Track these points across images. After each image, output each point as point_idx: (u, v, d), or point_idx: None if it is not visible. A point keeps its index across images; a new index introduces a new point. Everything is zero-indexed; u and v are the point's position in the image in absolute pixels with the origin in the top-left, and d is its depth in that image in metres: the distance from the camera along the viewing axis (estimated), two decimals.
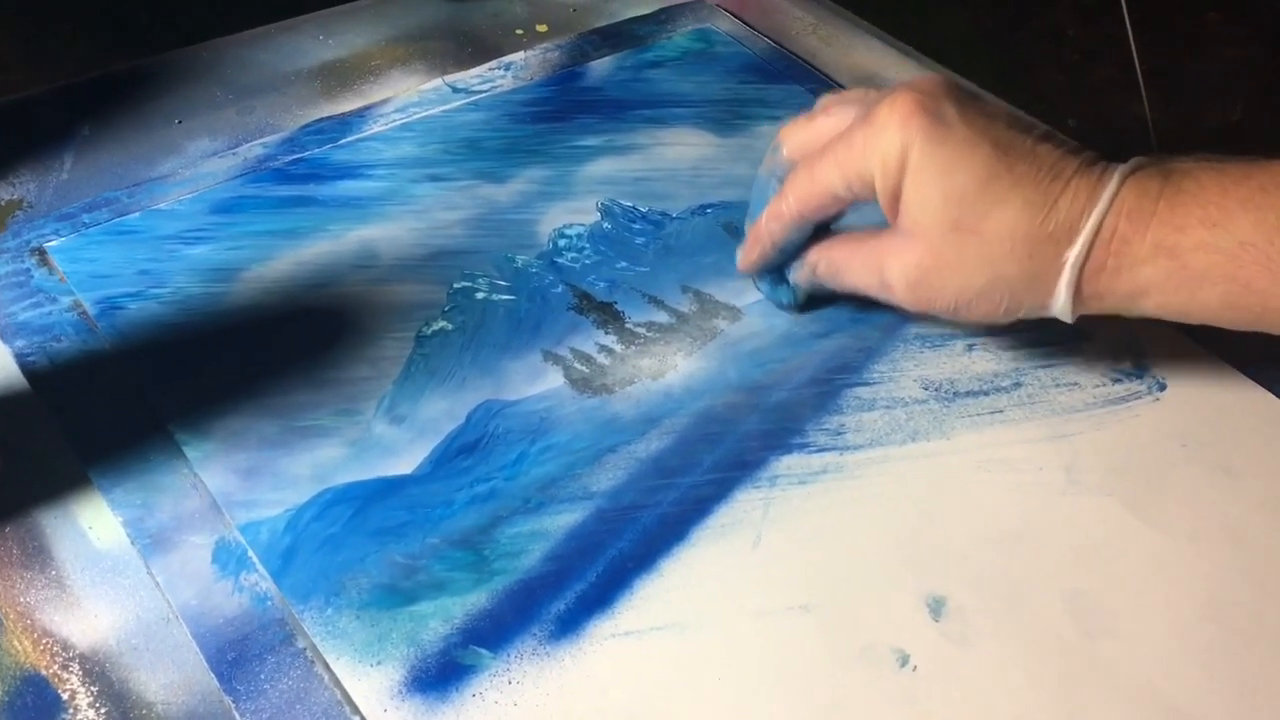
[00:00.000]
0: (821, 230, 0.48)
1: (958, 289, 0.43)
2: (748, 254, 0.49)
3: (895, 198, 0.43)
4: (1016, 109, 0.46)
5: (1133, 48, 1.03)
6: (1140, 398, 0.48)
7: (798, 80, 0.63)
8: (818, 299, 0.51)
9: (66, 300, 0.49)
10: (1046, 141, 0.43)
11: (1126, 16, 1.00)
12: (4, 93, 0.60)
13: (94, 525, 0.42)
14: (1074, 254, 0.41)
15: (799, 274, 0.49)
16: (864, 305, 0.51)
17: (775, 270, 0.50)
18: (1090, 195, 0.41)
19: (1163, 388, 0.48)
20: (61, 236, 0.52)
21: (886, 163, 0.42)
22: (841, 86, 0.63)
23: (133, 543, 0.42)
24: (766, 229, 0.47)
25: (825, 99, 0.48)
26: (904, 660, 0.39)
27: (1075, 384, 0.48)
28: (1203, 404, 0.48)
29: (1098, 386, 0.48)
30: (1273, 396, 0.48)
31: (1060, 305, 0.43)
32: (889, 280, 0.44)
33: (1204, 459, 0.46)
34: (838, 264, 0.47)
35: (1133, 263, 0.41)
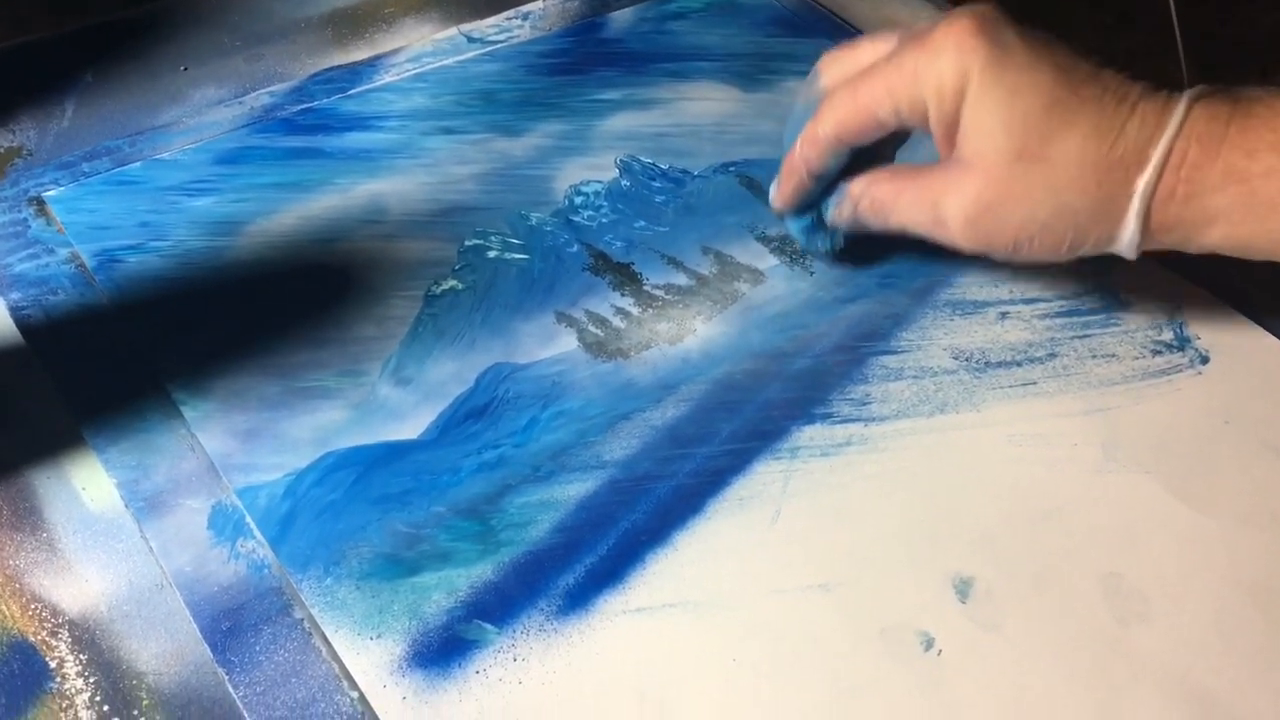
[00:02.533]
0: (861, 163, 0.44)
1: (1021, 222, 0.40)
2: (783, 187, 0.46)
3: (952, 126, 0.41)
4: None
5: (1172, 10, 0.99)
6: (1182, 371, 0.46)
7: (827, 35, 0.61)
8: (859, 247, 0.48)
9: (64, 252, 0.48)
10: (1107, 68, 0.40)
11: None
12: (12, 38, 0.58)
13: (87, 486, 0.41)
14: (1144, 181, 0.39)
15: (838, 212, 0.45)
16: (892, 270, 0.49)
17: (812, 211, 0.47)
18: (1159, 120, 0.39)
19: (1205, 360, 0.46)
20: (61, 186, 0.50)
21: (943, 87, 0.40)
22: None
23: (126, 505, 0.40)
24: (801, 155, 0.44)
25: (867, 34, 0.46)
26: (929, 644, 0.38)
27: (1113, 355, 0.46)
28: (1248, 379, 0.45)
29: (1137, 359, 0.46)
30: None
31: (1128, 236, 0.40)
32: (944, 216, 0.41)
33: (1249, 437, 0.43)
34: (883, 200, 0.44)
35: (1204, 190, 0.39)
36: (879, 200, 0.44)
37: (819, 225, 0.47)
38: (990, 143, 0.40)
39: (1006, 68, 0.39)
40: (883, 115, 0.42)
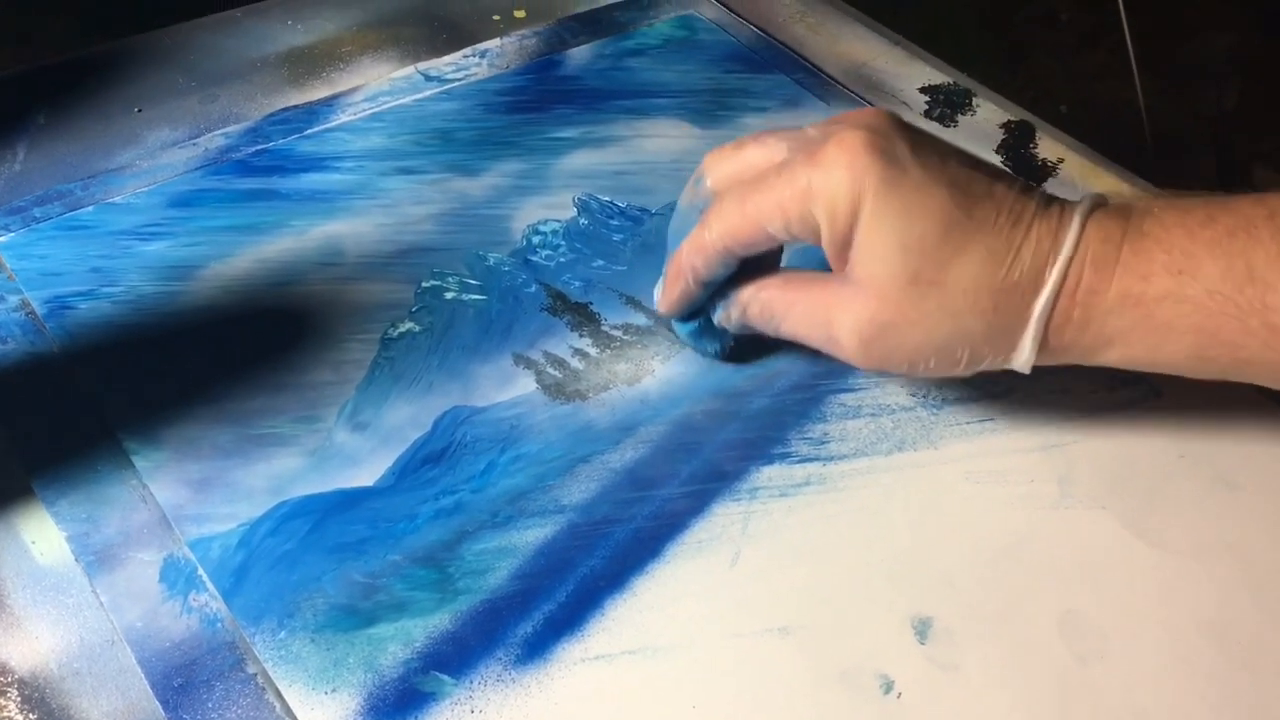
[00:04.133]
0: (750, 267, 0.43)
1: (916, 346, 0.40)
2: (667, 293, 0.44)
3: (845, 246, 0.39)
4: (963, 148, 0.42)
5: (1126, 33, 1.01)
6: (1135, 405, 0.46)
7: (784, 70, 0.61)
8: (748, 349, 0.47)
9: (14, 299, 0.47)
10: (1000, 180, 0.40)
11: (1121, 1, 0.98)
12: None
13: (37, 540, 0.40)
14: (1040, 306, 0.38)
15: (727, 316, 0.44)
16: None
17: (700, 316, 0.45)
18: (1054, 241, 0.38)
19: (1158, 394, 0.46)
20: (11, 232, 0.50)
21: (835, 207, 0.39)
22: (830, 77, 0.61)
23: (77, 559, 0.39)
24: (688, 262, 0.42)
25: (754, 134, 0.43)
26: (888, 686, 0.37)
27: (1068, 390, 0.46)
28: (1201, 413, 0.46)
29: (1092, 393, 0.46)
30: (1274, 404, 0.46)
31: (1024, 358, 0.40)
32: (837, 335, 0.40)
33: (1203, 471, 0.44)
34: (775, 310, 0.42)
35: (1100, 314, 0.39)
36: (770, 308, 0.43)
37: (707, 329, 0.46)
38: (885, 268, 0.39)
39: (900, 188, 0.38)
40: (773, 229, 0.40)
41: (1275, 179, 1.07)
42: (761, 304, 0.43)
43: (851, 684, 0.38)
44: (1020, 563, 0.41)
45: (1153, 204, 0.39)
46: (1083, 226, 0.39)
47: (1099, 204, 0.39)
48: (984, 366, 0.41)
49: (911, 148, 0.39)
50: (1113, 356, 0.40)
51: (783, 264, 0.45)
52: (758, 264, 0.43)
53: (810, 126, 0.41)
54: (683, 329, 0.46)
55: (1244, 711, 0.37)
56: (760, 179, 0.40)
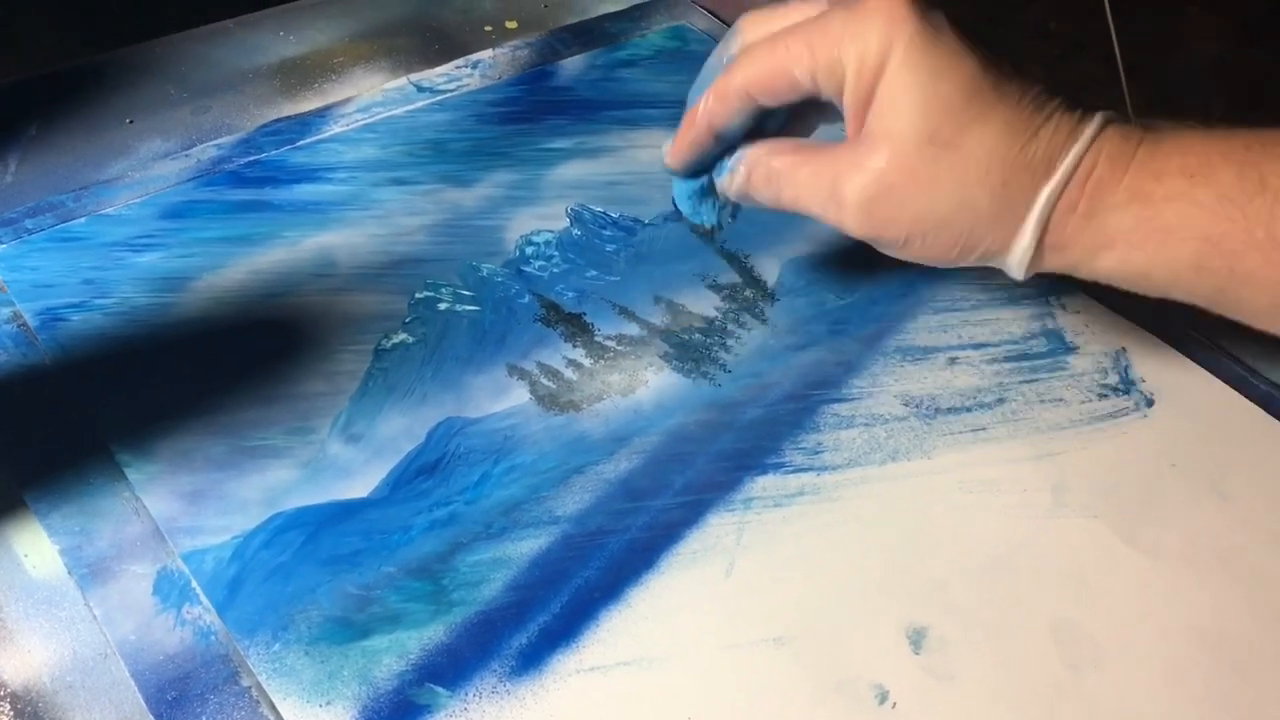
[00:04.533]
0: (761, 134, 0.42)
1: (919, 212, 0.39)
2: (679, 141, 0.43)
3: (866, 99, 0.39)
4: None
5: (1114, 43, 1.01)
6: (1128, 414, 0.46)
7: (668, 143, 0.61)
8: (737, 229, 0.46)
9: (6, 311, 0.47)
10: (1026, 75, 0.39)
11: (1109, 11, 0.98)
12: None
13: (30, 553, 0.40)
14: (1050, 188, 0.38)
15: (730, 178, 0.43)
16: (842, 317, 0.49)
17: (701, 177, 0.44)
18: (1072, 131, 0.38)
19: (1151, 404, 0.47)
20: (3, 243, 0.49)
21: (865, 54, 0.38)
22: None
23: (70, 572, 0.39)
24: (707, 109, 0.41)
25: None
26: (883, 696, 0.38)
27: (1061, 400, 0.47)
28: (1193, 421, 0.46)
29: (1084, 402, 0.47)
30: (1265, 413, 0.46)
31: (1022, 247, 0.39)
32: (842, 194, 0.39)
33: (1195, 479, 0.44)
34: (779, 172, 0.41)
35: (1105, 207, 0.38)
36: (775, 170, 0.41)
37: (707, 192, 0.44)
38: (904, 120, 0.38)
39: (933, 47, 0.38)
40: (799, 74, 0.39)
41: None
42: (767, 167, 0.41)
43: (847, 694, 0.38)
44: (1014, 572, 0.41)
45: (1171, 124, 0.39)
46: (1104, 123, 0.38)
47: (1120, 116, 0.39)
48: (980, 255, 0.40)
49: (950, 19, 0.39)
50: (1109, 262, 0.39)
51: None
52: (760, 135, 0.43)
53: None
54: (683, 189, 0.45)
55: (1236, 714, 0.37)
56: (795, 27, 0.40)
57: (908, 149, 0.38)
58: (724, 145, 0.43)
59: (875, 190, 0.39)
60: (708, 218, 0.45)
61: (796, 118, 0.43)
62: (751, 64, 0.40)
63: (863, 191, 0.39)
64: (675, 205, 0.46)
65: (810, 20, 0.40)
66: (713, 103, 0.41)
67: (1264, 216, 0.36)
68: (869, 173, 0.39)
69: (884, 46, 0.38)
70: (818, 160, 0.40)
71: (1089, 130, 0.38)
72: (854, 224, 0.40)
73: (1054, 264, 0.40)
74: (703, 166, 0.44)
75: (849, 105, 0.39)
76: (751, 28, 0.42)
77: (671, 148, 0.44)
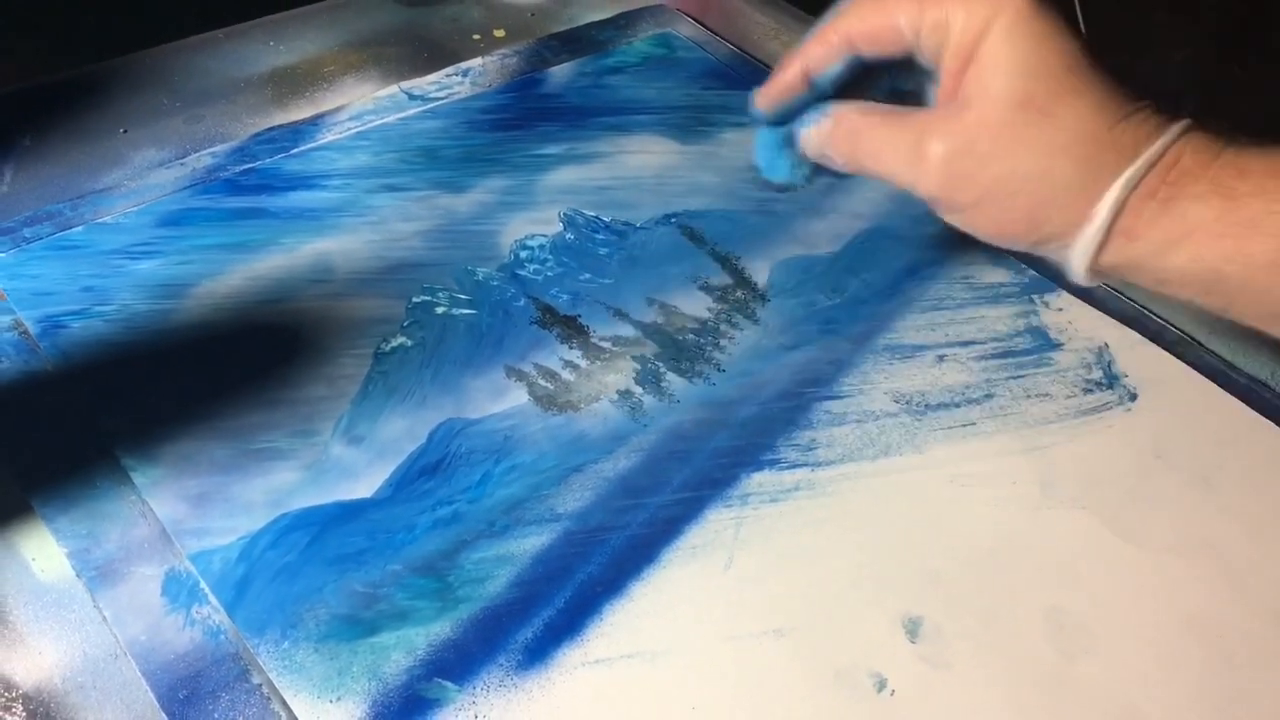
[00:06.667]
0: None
1: (1000, 173, 0.39)
2: (772, 81, 0.43)
3: (966, 59, 0.39)
4: None
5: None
6: (1112, 408, 0.47)
7: (760, 86, 0.62)
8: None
9: (7, 319, 0.47)
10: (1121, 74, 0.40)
11: (1080, 17, 1.00)
12: None
13: (37, 557, 0.40)
14: (1133, 169, 0.38)
15: (809, 135, 0.42)
16: (833, 316, 0.50)
17: (782, 132, 0.43)
18: (1160, 123, 0.39)
19: (1134, 397, 0.48)
20: (2, 252, 0.50)
21: (971, 17, 0.39)
22: None
23: (78, 575, 0.40)
24: (804, 52, 0.41)
25: None
26: (881, 684, 0.38)
27: (1047, 395, 0.48)
28: (1175, 413, 0.47)
29: (1069, 397, 0.48)
30: (1244, 405, 0.48)
31: (1093, 229, 0.38)
32: (926, 148, 0.39)
33: (1179, 470, 0.45)
34: (861, 129, 0.41)
35: (1186, 195, 0.38)
36: (855, 128, 0.41)
37: (786, 145, 0.44)
38: (1002, 81, 0.39)
39: (1039, 18, 0.39)
40: (903, 25, 0.40)
41: None
42: (852, 122, 0.41)
43: (846, 683, 0.38)
44: (1005, 562, 0.42)
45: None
46: (1191, 124, 0.39)
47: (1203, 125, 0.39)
48: (1046, 234, 0.39)
49: (1058, 3, 0.39)
50: (1181, 258, 0.38)
51: None
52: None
53: None
54: (764, 138, 0.44)
55: (1225, 700, 0.39)
56: None
57: (1000, 110, 0.39)
58: (814, 95, 0.43)
59: (961, 146, 0.39)
60: (782, 173, 0.44)
61: (892, 77, 0.43)
62: (859, 11, 0.41)
63: (949, 147, 0.39)
64: (754, 159, 0.45)
65: None
66: (813, 45, 0.41)
67: None
68: (957, 130, 0.39)
69: (991, 11, 0.39)
70: (904, 121, 0.41)
71: (1177, 126, 0.38)
72: (932, 180, 0.40)
73: (1121, 257, 0.39)
74: (787, 116, 0.43)
75: (948, 65, 0.40)
76: None
77: (759, 91, 0.43)
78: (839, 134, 0.42)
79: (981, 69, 0.39)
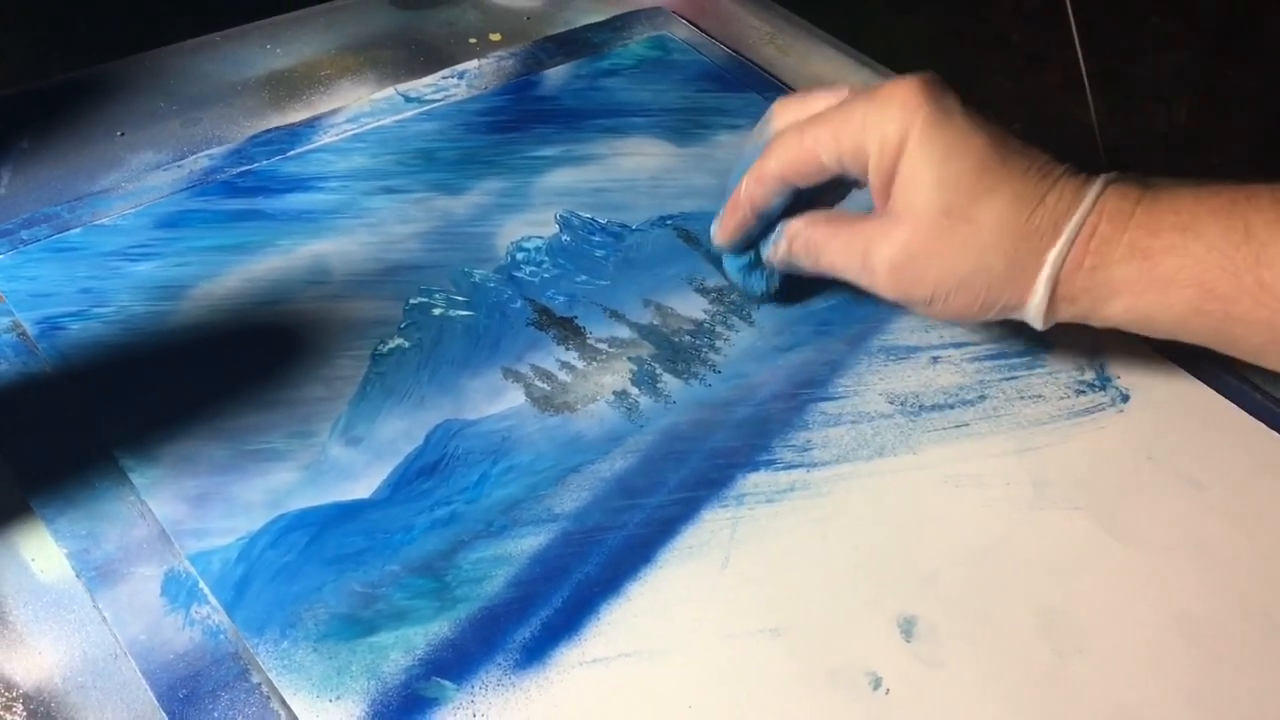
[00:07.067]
0: (800, 208, 0.47)
1: (940, 276, 0.43)
2: (725, 222, 0.48)
3: (889, 178, 0.43)
4: None
5: (1079, 52, 1.03)
6: (1104, 409, 0.48)
7: (755, 89, 0.63)
8: (792, 293, 0.50)
9: (5, 321, 0.47)
10: (1033, 146, 0.44)
11: (1073, 21, 1.01)
12: None
13: (37, 557, 0.40)
14: (1056, 250, 0.42)
15: (774, 251, 0.48)
16: (828, 318, 0.51)
17: (748, 254, 0.49)
18: (1075, 196, 0.42)
19: (1126, 399, 0.48)
20: (0, 254, 0.50)
21: (885, 140, 0.43)
22: None
23: (78, 575, 0.40)
24: (747, 192, 0.46)
25: (820, 87, 0.48)
26: (876, 683, 0.39)
27: (1040, 396, 0.48)
28: (1167, 415, 0.48)
29: (1062, 399, 0.48)
30: (1235, 407, 0.48)
31: (1036, 302, 0.43)
32: (872, 263, 0.44)
33: (1171, 471, 0.46)
34: (817, 242, 0.46)
35: (1109, 262, 0.42)
36: (813, 241, 0.46)
37: (755, 264, 0.49)
38: (922, 196, 0.42)
39: (945, 129, 0.42)
40: (826, 159, 0.44)
41: None
42: (806, 237, 0.46)
43: (841, 681, 0.39)
44: (999, 562, 0.42)
45: (1168, 182, 0.43)
46: (1104, 187, 0.42)
47: (1122, 176, 0.43)
48: (998, 312, 0.44)
49: (959, 102, 0.43)
50: (1118, 308, 0.43)
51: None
52: (809, 207, 0.47)
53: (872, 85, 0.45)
54: (733, 264, 0.50)
55: (1216, 698, 0.39)
56: (821, 115, 0.44)
57: (926, 222, 0.43)
58: (765, 222, 0.47)
59: (900, 258, 0.43)
60: (758, 286, 0.50)
61: (828, 188, 0.47)
62: (783, 151, 0.45)
63: (890, 260, 0.43)
64: (727, 277, 0.51)
65: (834, 109, 0.44)
66: (752, 186, 0.46)
67: (1250, 263, 0.40)
68: (894, 243, 0.43)
69: (901, 131, 0.42)
70: (850, 231, 0.45)
71: (1090, 194, 0.42)
72: (884, 287, 0.44)
73: (1067, 314, 0.44)
74: (748, 242, 0.49)
75: (874, 184, 0.44)
76: (782, 114, 0.47)
77: (719, 229, 0.49)
78: (797, 249, 0.47)
79: (903, 186, 0.43)
